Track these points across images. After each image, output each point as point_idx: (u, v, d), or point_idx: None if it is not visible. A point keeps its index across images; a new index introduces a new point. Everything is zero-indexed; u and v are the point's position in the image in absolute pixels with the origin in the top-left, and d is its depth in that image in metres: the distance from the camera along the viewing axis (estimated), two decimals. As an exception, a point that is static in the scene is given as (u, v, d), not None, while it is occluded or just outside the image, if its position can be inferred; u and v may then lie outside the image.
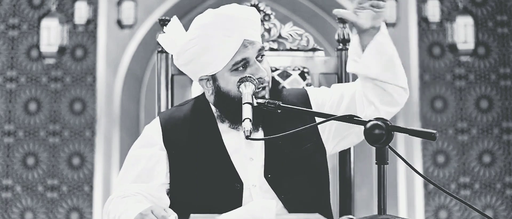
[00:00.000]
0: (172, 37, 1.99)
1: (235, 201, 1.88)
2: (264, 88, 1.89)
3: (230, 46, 1.87)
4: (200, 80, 1.95)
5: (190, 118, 1.99)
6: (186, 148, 1.93)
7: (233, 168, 1.90)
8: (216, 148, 1.93)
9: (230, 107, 1.90)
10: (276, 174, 1.91)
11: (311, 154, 1.96)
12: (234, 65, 1.88)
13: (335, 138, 2.01)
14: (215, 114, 1.97)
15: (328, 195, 2.01)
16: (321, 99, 2.02)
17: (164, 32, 2.30)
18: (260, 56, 1.92)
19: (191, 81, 2.29)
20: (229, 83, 1.90)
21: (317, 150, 1.99)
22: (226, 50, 1.87)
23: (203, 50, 1.89)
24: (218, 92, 1.92)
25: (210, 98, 1.97)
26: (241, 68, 1.89)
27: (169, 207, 1.88)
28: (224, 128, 1.95)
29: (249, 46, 1.89)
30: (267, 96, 1.89)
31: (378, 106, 1.94)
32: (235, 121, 1.91)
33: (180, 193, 1.92)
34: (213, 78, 1.93)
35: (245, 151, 1.92)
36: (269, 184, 1.89)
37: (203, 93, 2.03)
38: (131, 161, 1.97)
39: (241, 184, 1.89)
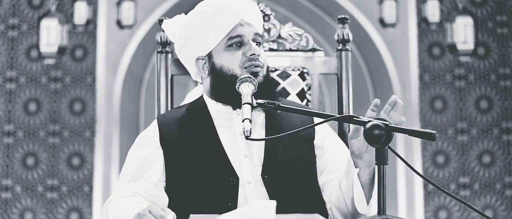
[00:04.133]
0: (176, 23, 2.07)
1: (231, 196, 1.89)
2: (257, 66, 1.93)
3: (227, 22, 1.95)
4: (197, 60, 2.01)
5: (187, 117, 2.02)
6: (182, 145, 1.95)
7: (229, 163, 1.92)
8: (212, 144, 1.94)
9: (222, 83, 1.95)
10: (272, 176, 1.92)
11: (308, 165, 1.98)
12: (229, 39, 1.95)
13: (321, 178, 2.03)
14: (208, 101, 2.01)
15: (323, 203, 2.02)
16: (323, 141, 2.03)
17: (163, 31, 2.32)
18: (257, 43, 1.98)
19: (192, 82, 2.29)
20: (222, 59, 1.96)
21: (314, 163, 2.01)
22: (222, 25, 1.95)
23: (202, 25, 1.97)
24: (213, 69, 1.98)
25: (206, 81, 2.01)
26: (235, 45, 1.95)
27: (167, 204, 1.92)
28: (219, 124, 1.98)
29: (245, 26, 1.96)
30: (260, 76, 1.93)
31: (334, 213, 1.96)
32: (226, 97, 1.96)
33: (176, 189, 1.94)
34: (209, 56, 1.99)
35: (240, 148, 1.94)
36: (264, 184, 1.90)
37: (201, 96, 2.06)
38: (129, 161, 2.00)
39: (237, 179, 1.90)
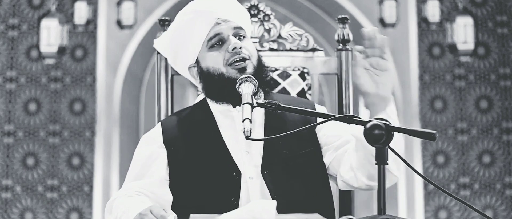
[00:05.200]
0: (164, 41, 2.11)
1: (233, 191, 1.90)
2: (242, 59, 1.94)
3: (203, 26, 1.96)
4: (189, 69, 2.04)
5: (189, 116, 2.05)
6: (185, 142, 1.97)
7: (231, 159, 1.93)
8: (214, 140, 1.96)
9: (212, 83, 1.98)
10: (272, 172, 1.92)
11: (309, 159, 1.97)
12: (209, 41, 1.97)
13: (328, 157, 2.00)
14: (209, 101, 2.03)
15: (327, 198, 2.01)
16: (325, 127, 2.01)
17: (163, 31, 2.33)
18: (239, 36, 1.98)
19: (193, 85, 2.31)
20: (207, 61, 1.98)
21: (316, 157, 2.00)
22: (200, 30, 1.96)
23: (182, 37, 2.00)
24: (202, 73, 2.00)
25: (200, 86, 2.05)
26: (216, 45, 1.97)
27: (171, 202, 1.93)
28: (221, 121, 1.99)
29: (222, 23, 1.97)
30: (249, 70, 1.94)
31: (359, 176, 1.88)
32: (218, 96, 1.99)
33: (180, 186, 1.95)
34: (197, 62, 2.01)
35: (241, 144, 1.95)
36: (264, 180, 1.90)
37: (204, 98, 2.08)
38: (133, 160, 2.02)
39: (239, 174, 1.91)
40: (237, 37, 1.98)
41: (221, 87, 1.94)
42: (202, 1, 2.01)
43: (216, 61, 1.96)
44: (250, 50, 1.98)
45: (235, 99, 1.86)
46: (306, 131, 1.94)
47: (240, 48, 1.94)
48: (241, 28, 2.00)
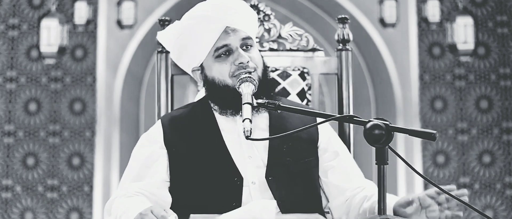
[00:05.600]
0: (168, 34, 2.07)
1: (235, 196, 1.89)
2: (248, 72, 1.91)
3: (212, 33, 1.94)
4: (193, 71, 2.03)
5: (191, 117, 2.03)
6: (186, 145, 1.96)
7: (233, 164, 1.92)
8: (216, 144, 1.95)
9: (217, 93, 1.96)
10: (276, 178, 1.92)
11: (311, 167, 1.98)
12: (216, 51, 1.94)
13: (331, 178, 2.02)
14: (212, 106, 2.01)
15: (321, 207, 2.03)
16: (328, 144, 2.03)
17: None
18: (246, 46, 1.96)
19: (192, 81, 2.30)
20: (212, 70, 1.96)
21: (317, 165, 2.01)
22: (208, 37, 1.94)
23: (188, 40, 1.97)
24: (206, 80, 1.99)
25: (204, 89, 2.04)
26: (223, 55, 1.94)
27: (171, 204, 1.92)
28: (223, 126, 1.98)
29: (231, 33, 1.94)
30: (254, 78, 1.91)
31: None
32: (223, 107, 1.97)
33: (180, 189, 1.94)
34: (202, 67, 2.00)
35: (244, 149, 1.94)
36: (268, 186, 1.90)
37: (205, 97, 2.06)
38: (132, 160, 2.00)
39: (241, 179, 1.90)
40: (244, 47, 1.96)
41: (226, 98, 1.93)
42: (212, 5, 1.97)
43: (222, 73, 1.94)
44: (256, 61, 1.96)
45: (240, 107, 1.85)
46: (307, 134, 1.95)
47: (247, 62, 1.93)
48: (249, 37, 1.97)
